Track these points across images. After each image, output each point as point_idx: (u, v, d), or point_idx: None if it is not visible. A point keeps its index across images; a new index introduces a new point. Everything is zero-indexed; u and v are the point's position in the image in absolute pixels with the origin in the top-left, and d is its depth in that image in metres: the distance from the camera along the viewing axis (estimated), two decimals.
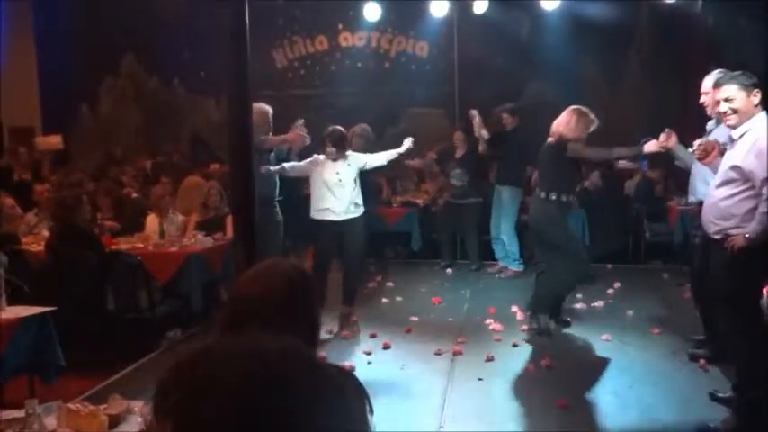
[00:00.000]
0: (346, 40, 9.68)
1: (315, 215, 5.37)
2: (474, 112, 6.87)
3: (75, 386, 3.87)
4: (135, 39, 9.87)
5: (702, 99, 4.09)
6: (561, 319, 5.13)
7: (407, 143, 5.55)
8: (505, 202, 6.95)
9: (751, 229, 3.12)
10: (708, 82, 4.02)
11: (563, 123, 4.79)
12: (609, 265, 7.03)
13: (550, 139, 4.88)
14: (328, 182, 5.29)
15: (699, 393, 3.77)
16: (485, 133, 6.81)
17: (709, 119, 4.18)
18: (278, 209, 5.32)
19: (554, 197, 4.78)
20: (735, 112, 3.26)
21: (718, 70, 3.99)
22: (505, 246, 7.03)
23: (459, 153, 7.29)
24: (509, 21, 8.74)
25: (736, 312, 3.26)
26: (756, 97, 3.22)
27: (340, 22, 9.62)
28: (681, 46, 8.23)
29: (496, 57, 8.90)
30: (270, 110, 5.24)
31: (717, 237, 3.30)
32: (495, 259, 7.28)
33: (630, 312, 5.39)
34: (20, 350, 3.56)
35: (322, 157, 5.35)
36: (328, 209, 5.30)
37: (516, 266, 7.03)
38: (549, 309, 5.00)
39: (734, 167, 3.21)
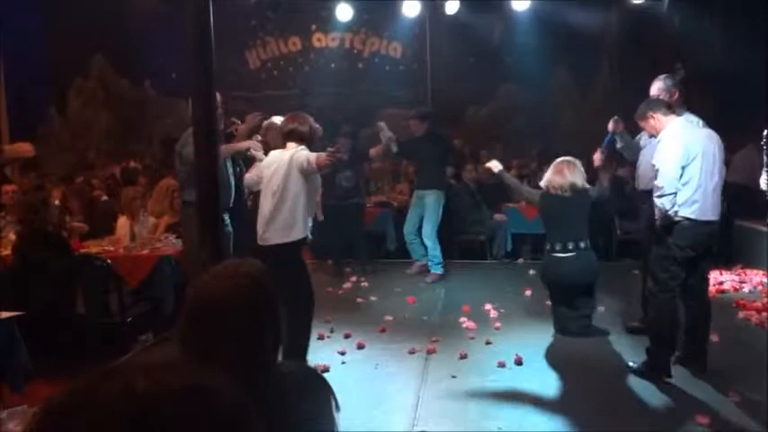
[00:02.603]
0: (319, 40, 9.68)
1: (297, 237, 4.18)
2: (381, 125, 6.72)
3: (44, 392, 3.78)
4: (105, 39, 9.74)
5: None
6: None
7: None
8: (430, 205, 6.78)
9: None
10: (654, 86, 4.48)
11: None
12: None
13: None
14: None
15: (668, 388, 3.86)
16: (375, 151, 6.82)
17: None
18: (228, 220, 4.67)
19: None
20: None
21: (664, 75, 4.49)
22: (427, 249, 6.84)
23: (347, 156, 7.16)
24: (481, 22, 8.83)
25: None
26: (651, 119, 4.07)
27: (313, 22, 9.62)
28: (648, 46, 8.38)
29: (469, 57, 8.99)
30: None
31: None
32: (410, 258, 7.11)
33: (602, 309, 5.46)
34: None
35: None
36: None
37: (439, 270, 6.83)
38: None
39: (652, 165, 4.02)
